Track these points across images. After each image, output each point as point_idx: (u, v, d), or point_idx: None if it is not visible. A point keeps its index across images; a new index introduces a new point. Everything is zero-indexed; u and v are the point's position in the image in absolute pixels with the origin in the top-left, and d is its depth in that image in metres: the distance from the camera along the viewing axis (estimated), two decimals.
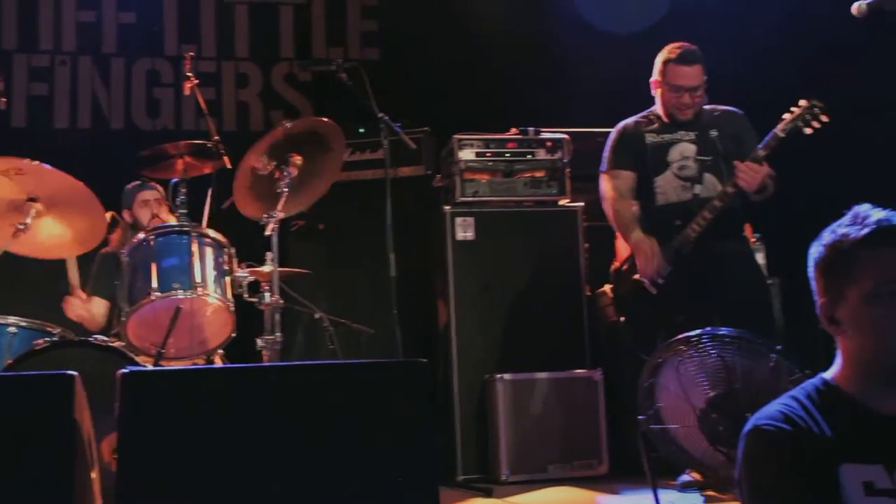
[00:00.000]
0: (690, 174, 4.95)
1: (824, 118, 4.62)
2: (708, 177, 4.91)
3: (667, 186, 4.99)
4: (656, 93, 5.10)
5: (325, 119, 4.99)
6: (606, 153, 5.19)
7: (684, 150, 4.98)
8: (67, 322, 4.85)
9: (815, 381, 2.15)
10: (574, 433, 5.26)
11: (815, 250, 2.14)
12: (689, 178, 4.93)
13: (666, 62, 5.01)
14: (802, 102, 4.67)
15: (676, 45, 5.01)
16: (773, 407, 2.08)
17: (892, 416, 2.04)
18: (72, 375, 2.54)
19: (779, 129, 4.67)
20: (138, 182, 5.52)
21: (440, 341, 5.67)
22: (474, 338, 5.50)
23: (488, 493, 4.86)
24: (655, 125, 5.10)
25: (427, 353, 5.76)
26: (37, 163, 4.45)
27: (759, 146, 4.71)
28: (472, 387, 5.42)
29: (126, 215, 5.57)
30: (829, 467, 1.97)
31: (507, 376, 5.27)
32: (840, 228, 2.09)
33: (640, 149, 5.07)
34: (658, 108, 5.11)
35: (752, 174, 4.63)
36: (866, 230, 2.03)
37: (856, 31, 4.34)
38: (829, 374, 2.13)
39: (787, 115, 4.68)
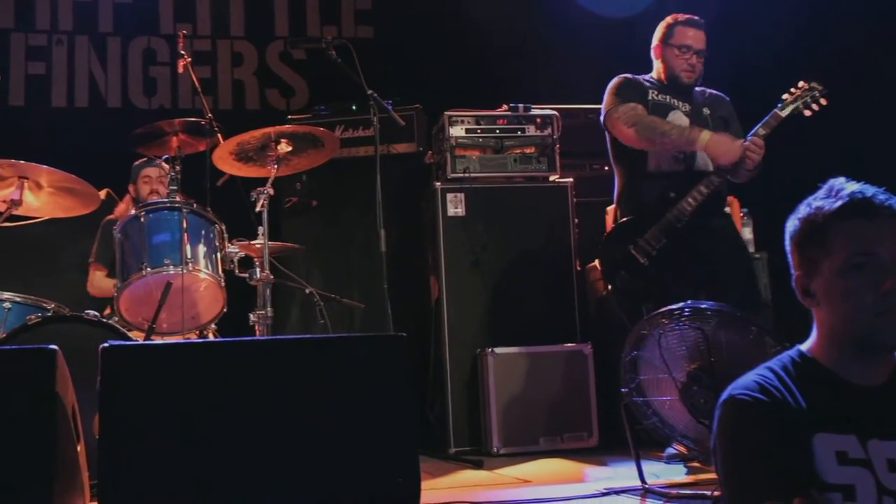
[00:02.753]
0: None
1: (824, 101, 4.58)
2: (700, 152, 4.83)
3: (661, 153, 4.87)
4: (657, 60, 5.03)
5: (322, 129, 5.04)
6: (608, 97, 5.02)
7: (679, 120, 4.89)
8: (64, 298, 4.82)
9: (791, 352, 2.13)
10: (564, 406, 5.27)
11: (791, 224, 2.12)
12: (683, 152, 4.86)
13: (673, 25, 4.95)
14: (802, 84, 4.61)
15: (679, 13, 4.97)
16: (749, 377, 2.06)
17: (865, 387, 2.03)
18: (53, 350, 2.53)
19: (779, 109, 4.61)
20: (145, 159, 5.52)
21: (432, 316, 5.67)
22: (465, 312, 5.50)
23: (479, 466, 4.85)
24: (656, 85, 5.01)
25: (419, 327, 5.76)
26: (23, 163, 4.39)
27: (759, 125, 4.64)
28: (463, 361, 5.43)
29: (131, 189, 5.64)
30: (803, 437, 1.96)
31: (498, 350, 5.27)
32: (815, 202, 2.07)
33: (643, 99, 4.94)
34: (659, 73, 5.03)
35: (758, 152, 4.58)
36: (839, 202, 2.01)
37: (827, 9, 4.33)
38: (804, 346, 2.12)
39: (786, 96, 4.63)
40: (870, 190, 2.02)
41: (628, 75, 5.07)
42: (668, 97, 4.97)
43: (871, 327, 1.98)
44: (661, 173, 4.87)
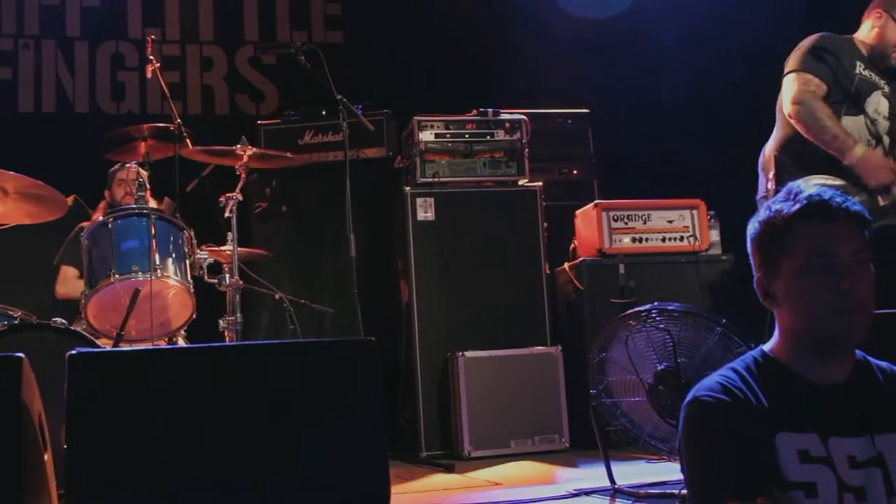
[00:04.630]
0: (879, 131, 4.43)
1: None
2: (889, 141, 4.42)
3: (853, 130, 4.33)
4: (872, 25, 4.47)
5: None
6: (800, 53, 4.41)
7: (880, 103, 4.43)
8: (30, 306, 4.79)
9: (754, 352, 2.16)
10: (535, 409, 5.29)
11: (752, 227, 2.16)
12: (876, 136, 4.42)
13: None
14: None
15: None
16: (713, 378, 2.09)
17: (825, 386, 2.05)
18: (19, 358, 2.52)
19: None
20: (119, 164, 5.50)
21: (402, 320, 5.68)
22: (436, 316, 5.51)
23: (450, 469, 4.87)
24: (866, 57, 4.45)
25: (390, 331, 5.78)
26: None
27: None
28: (434, 364, 5.44)
29: (107, 195, 5.63)
30: (765, 436, 1.98)
31: (468, 353, 5.29)
32: (774, 204, 2.10)
33: (844, 71, 4.38)
34: (868, 38, 4.48)
35: None
36: (797, 205, 2.04)
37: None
38: (767, 347, 2.15)
39: None
40: (827, 192, 2.05)
41: (830, 36, 4.46)
42: (875, 74, 4.43)
43: (830, 327, 2.01)
44: None
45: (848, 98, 4.39)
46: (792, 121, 4.34)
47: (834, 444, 1.99)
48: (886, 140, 4.46)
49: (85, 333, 4.27)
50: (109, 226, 4.58)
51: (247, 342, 4.68)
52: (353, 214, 4.86)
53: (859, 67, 4.43)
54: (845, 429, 2.00)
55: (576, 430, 5.22)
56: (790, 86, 4.38)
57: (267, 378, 2.67)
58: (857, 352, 2.10)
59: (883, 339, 2.17)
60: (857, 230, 2.04)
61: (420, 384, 5.43)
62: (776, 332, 2.13)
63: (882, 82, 4.44)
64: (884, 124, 4.43)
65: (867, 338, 2.05)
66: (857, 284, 1.99)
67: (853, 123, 4.37)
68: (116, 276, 4.46)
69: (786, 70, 4.44)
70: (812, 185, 2.09)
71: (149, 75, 5.62)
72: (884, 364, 2.13)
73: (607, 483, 3.77)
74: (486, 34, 7.30)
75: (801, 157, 4.34)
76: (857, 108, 4.39)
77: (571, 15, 7.16)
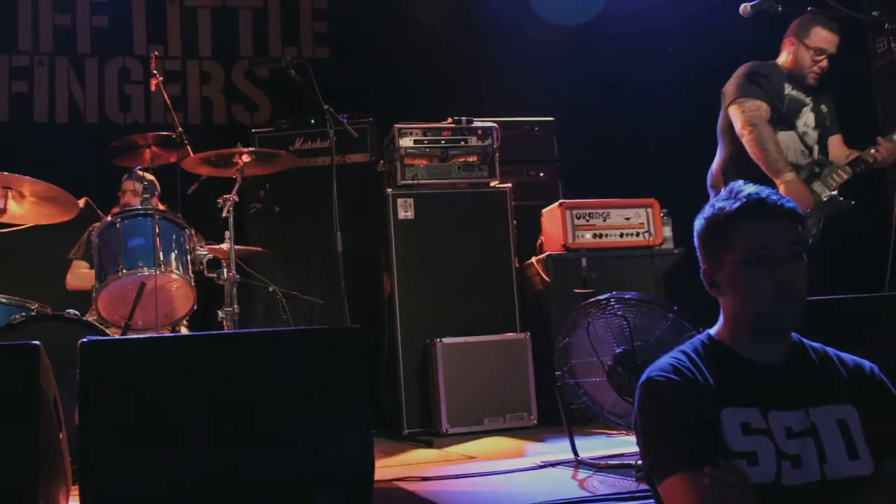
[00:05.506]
0: (810, 143, 4.59)
1: None
2: (818, 148, 4.57)
3: (789, 143, 4.52)
4: (788, 52, 4.64)
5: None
6: (738, 81, 4.57)
7: (808, 117, 4.61)
8: (46, 298, 4.76)
9: (701, 336, 2.18)
10: (506, 389, 5.30)
11: (698, 223, 2.17)
12: (808, 147, 4.58)
13: (810, 23, 4.53)
14: None
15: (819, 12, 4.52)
16: (665, 360, 2.10)
17: (765, 365, 2.07)
18: (36, 345, 2.52)
19: (884, 137, 4.42)
20: (127, 173, 5.50)
21: (386, 310, 5.67)
22: (416, 306, 5.51)
23: (430, 445, 4.88)
24: (790, 77, 4.61)
25: (374, 320, 5.76)
26: (7, 174, 4.35)
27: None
28: (414, 350, 5.44)
29: (120, 199, 5.58)
30: (711, 411, 2.00)
31: (445, 340, 5.29)
32: (718, 203, 2.12)
33: (776, 95, 4.55)
34: (786, 63, 4.64)
35: (890, 150, 4.39)
36: (738, 203, 2.06)
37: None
38: (713, 330, 2.16)
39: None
40: (764, 191, 2.07)
41: (760, 64, 4.63)
42: (801, 93, 4.61)
43: (768, 313, 2.03)
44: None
45: (781, 117, 4.54)
46: (744, 140, 4.45)
47: (773, 417, 2.00)
48: (816, 148, 4.59)
49: (96, 323, 4.27)
50: (117, 225, 4.57)
51: (243, 330, 4.67)
52: (340, 214, 4.87)
53: (787, 88, 4.60)
54: (783, 403, 2.02)
55: (543, 409, 5.24)
56: (738, 112, 4.51)
57: (261, 363, 2.67)
58: (793, 334, 2.12)
59: (814, 323, 2.19)
60: (792, 226, 2.06)
61: (401, 368, 5.43)
62: (721, 318, 2.15)
63: (807, 99, 4.60)
64: (813, 135, 4.61)
65: (801, 321, 2.08)
66: (791, 275, 2.01)
67: (787, 138, 4.53)
68: (124, 271, 4.46)
69: (728, 98, 4.58)
70: (750, 185, 2.11)
71: (153, 88, 5.58)
72: (817, 345, 2.15)
73: (571, 455, 3.77)
74: (462, 50, 7.27)
75: (745, 172, 4.24)
76: (789, 124, 4.56)
77: (538, 30, 7.18)
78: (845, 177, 4.45)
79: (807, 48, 4.56)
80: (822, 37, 4.54)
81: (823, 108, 4.65)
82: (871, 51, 4.97)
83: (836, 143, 4.67)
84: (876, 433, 2.02)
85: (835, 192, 4.45)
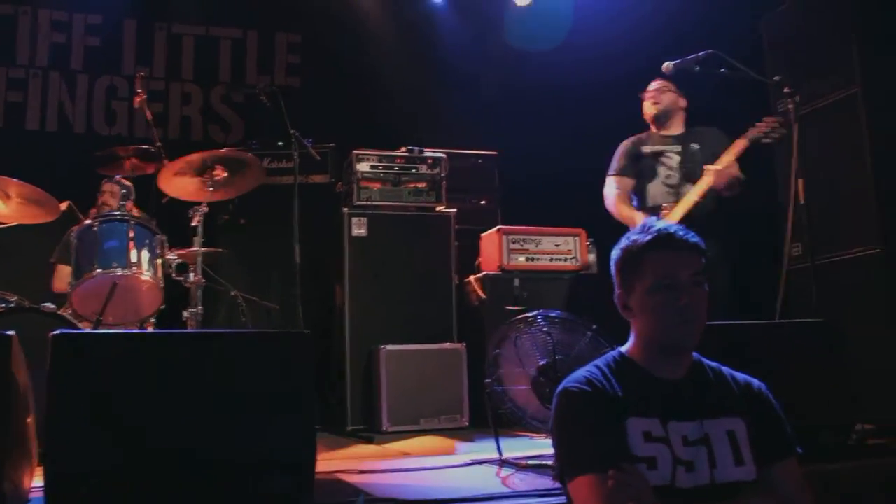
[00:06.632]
0: (674, 183, 4.77)
1: (776, 135, 4.52)
2: (689, 184, 4.70)
3: (656, 191, 4.79)
4: (646, 108, 4.96)
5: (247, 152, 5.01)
6: (615, 159, 4.96)
7: (672, 160, 4.81)
8: (28, 293, 4.65)
9: (613, 353, 2.20)
10: (442, 393, 5.27)
11: (614, 252, 2.20)
12: (673, 186, 4.76)
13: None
14: (769, 119, 4.55)
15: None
16: (580, 372, 2.12)
17: (668, 380, 2.10)
18: (9, 335, 2.46)
19: (745, 137, 4.56)
20: (107, 177, 5.42)
21: (337, 318, 5.62)
22: (364, 315, 5.47)
23: (370, 441, 4.83)
24: (650, 137, 4.93)
25: (326, 327, 5.72)
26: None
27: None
28: (361, 355, 5.39)
29: (98, 202, 5.51)
30: (619, 420, 2.02)
31: (389, 347, 5.26)
32: (632, 235, 2.16)
33: (636, 161, 4.90)
34: (648, 118, 4.95)
35: (722, 174, 4.51)
36: (649, 237, 2.10)
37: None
38: (624, 348, 2.19)
39: (754, 127, 4.56)
40: (673, 227, 2.11)
41: (632, 139, 4.98)
42: (658, 145, 4.88)
43: (672, 334, 2.07)
44: (657, 206, 4.75)
45: (645, 173, 4.82)
46: (613, 215, 4.84)
47: (671, 427, 2.03)
48: (687, 185, 4.70)
49: (69, 317, 4.18)
50: (95, 228, 4.50)
51: (205, 330, 4.60)
52: (299, 228, 4.83)
53: (646, 148, 4.88)
54: (681, 415, 2.05)
55: (474, 412, 5.21)
56: (610, 188, 4.91)
57: (219, 360, 2.63)
58: (694, 354, 2.16)
59: (712, 344, 2.22)
60: (696, 257, 2.10)
61: (348, 371, 5.38)
62: (631, 337, 2.18)
63: (671, 146, 4.83)
64: (676, 176, 4.77)
65: (701, 342, 2.12)
66: (693, 301, 2.05)
67: (655, 187, 4.80)
68: (98, 270, 4.39)
69: (608, 172, 4.93)
70: (661, 221, 2.15)
71: (136, 105, 5.56)
72: (714, 364, 2.19)
73: (497, 455, 3.77)
74: (417, 86, 7.32)
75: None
76: (654, 175, 4.80)
77: (487, 71, 7.26)
78: (695, 199, 4.58)
79: (644, 100, 4.90)
80: (657, 82, 4.85)
81: (693, 146, 4.78)
82: (772, 110, 5.08)
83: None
84: (760, 444, 2.07)
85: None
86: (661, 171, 4.84)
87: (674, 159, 4.83)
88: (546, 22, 7.05)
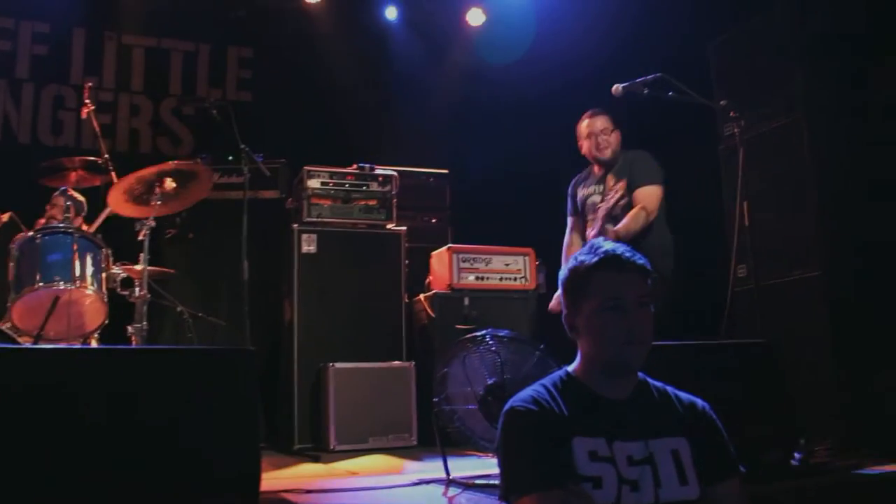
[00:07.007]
0: (607, 215, 4.67)
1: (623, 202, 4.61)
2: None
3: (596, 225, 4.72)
4: (580, 146, 4.96)
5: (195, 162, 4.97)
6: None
7: (595, 199, 4.83)
8: None
9: (560, 372, 2.20)
10: (390, 412, 5.24)
11: (562, 273, 2.21)
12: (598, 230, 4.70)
13: (581, 121, 4.92)
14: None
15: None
16: (527, 392, 2.12)
17: (613, 401, 2.11)
18: None
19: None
20: (58, 190, 5.29)
21: (285, 335, 5.57)
22: (313, 333, 5.43)
23: (317, 460, 4.79)
24: (584, 177, 5.00)
25: (274, 344, 5.67)
26: None
27: None
28: (309, 373, 5.35)
29: (46, 214, 5.41)
30: (565, 439, 2.02)
31: (338, 365, 5.22)
32: (580, 256, 2.16)
33: (575, 200, 4.98)
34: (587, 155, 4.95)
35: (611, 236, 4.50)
36: (596, 258, 2.11)
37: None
38: (570, 368, 2.19)
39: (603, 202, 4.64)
40: (620, 248, 2.12)
41: (574, 179, 5.04)
42: (586, 186, 4.92)
43: (617, 355, 2.08)
44: None
45: (583, 210, 4.89)
46: None
47: (617, 446, 2.03)
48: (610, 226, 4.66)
49: (8, 332, 4.08)
50: (37, 241, 4.41)
51: (148, 346, 4.52)
52: (248, 244, 4.77)
53: (581, 190, 4.95)
54: (626, 434, 2.05)
55: (423, 431, 5.19)
56: (567, 231, 4.99)
57: (163, 376, 2.59)
58: (640, 374, 2.18)
59: (657, 363, 2.24)
60: (642, 279, 2.11)
61: (296, 389, 5.34)
62: (578, 357, 2.18)
63: (594, 186, 4.88)
64: (599, 218, 4.68)
65: (647, 363, 2.13)
66: (638, 322, 2.06)
67: (591, 232, 4.74)
68: (41, 284, 4.30)
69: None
70: (609, 242, 2.17)
71: (84, 116, 5.47)
72: (658, 384, 2.20)
73: (444, 475, 3.76)
74: (370, 104, 7.34)
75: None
76: (593, 210, 4.80)
77: (440, 90, 7.29)
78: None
79: (585, 135, 4.87)
80: (581, 126, 4.88)
81: (611, 180, 4.75)
82: (719, 134, 5.19)
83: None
84: (703, 463, 2.09)
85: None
86: (590, 204, 4.86)
87: (597, 198, 4.82)
88: (500, 42, 7.12)
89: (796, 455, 3.62)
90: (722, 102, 4.68)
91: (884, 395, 4.29)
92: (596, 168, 4.92)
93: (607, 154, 4.82)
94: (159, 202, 4.62)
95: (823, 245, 4.58)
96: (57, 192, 5.30)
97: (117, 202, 4.67)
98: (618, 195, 4.53)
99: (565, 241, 4.99)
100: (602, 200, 4.69)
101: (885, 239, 4.55)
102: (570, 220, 5.02)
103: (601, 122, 4.84)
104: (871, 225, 4.56)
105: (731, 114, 4.49)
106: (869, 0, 4.77)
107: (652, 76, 4.33)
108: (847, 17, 4.78)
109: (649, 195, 4.67)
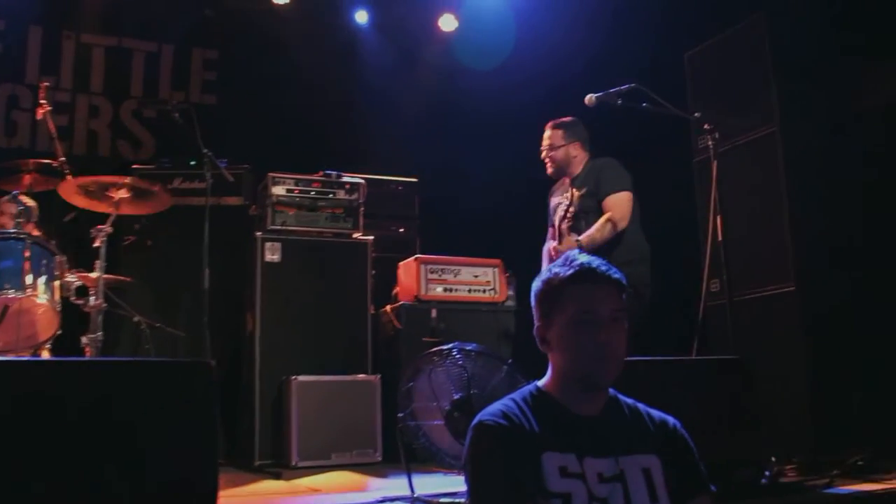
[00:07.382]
0: (578, 227, 4.80)
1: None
2: (584, 223, 4.78)
3: (564, 234, 4.86)
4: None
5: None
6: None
7: (562, 210, 4.88)
8: None
9: (530, 387, 2.19)
10: (355, 427, 5.20)
11: (535, 284, 2.20)
12: (574, 229, 4.79)
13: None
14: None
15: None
16: (496, 406, 2.11)
17: (584, 416, 2.11)
18: None
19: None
20: (9, 195, 5.20)
21: (247, 347, 5.51)
22: (275, 345, 5.38)
23: (278, 476, 4.73)
24: (555, 190, 5.09)
25: (234, 356, 5.61)
26: None
27: None
28: (271, 386, 5.30)
29: None
30: (534, 455, 2.01)
31: (301, 378, 5.18)
32: (554, 268, 2.16)
33: (549, 209, 5.07)
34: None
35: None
36: (571, 270, 2.10)
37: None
38: (541, 382, 2.18)
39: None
40: (595, 262, 2.12)
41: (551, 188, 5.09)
42: (557, 195, 5.00)
43: (589, 370, 2.07)
44: None
45: (558, 224, 4.90)
46: None
47: (587, 463, 2.03)
48: (583, 223, 4.75)
49: None
50: None
51: (102, 358, 4.44)
52: (210, 253, 4.73)
53: (552, 199, 5.02)
54: (597, 451, 2.05)
55: (388, 446, 5.14)
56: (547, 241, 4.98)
57: (117, 389, 2.54)
58: (611, 390, 2.17)
59: (628, 379, 2.24)
60: (616, 293, 2.11)
61: (257, 402, 5.28)
62: (549, 372, 2.17)
63: (561, 196, 4.92)
64: (566, 218, 4.81)
65: (619, 378, 2.13)
66: (612, 337, 2.06)
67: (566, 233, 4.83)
68: None
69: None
70: (584, 255, 2.17)
71: (39, 117, 5.39)
72: (630, 401, 2.20)
73: (408, 492, 3.74)
74: (337, 110, 7.32)
75: None
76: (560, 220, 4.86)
77: (409, 97, 7.29)
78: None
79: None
80: (544, 136, 4.97)
81: (576, 192, 4.81)
82: (693, 146, 5.24)
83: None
84: (674, 481, 2.09)
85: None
86: (558, 215, 4.91)
87: (565, 202, 4.87)
88: (474, 49, 7.14)
89: (766, 473, 3.64)
90: (696, 114, 4.72)
91: (857, 412, 4.33)
92: (566, 177, 4.94)
93: (549, 169, 4.97)
94: (115, 207, 4.57)
95: (797, 260, 4.63)
96: (7, 198, 5.21)
97: (69, 193, 4.60)
98: (569, 203, 4.64)
99: (543, 251, 5.00)
100: (567, 214, 4.77)
101: (861, 255, 4.60)
102: (549, 230, 5.04)
103: (550, 136, 4.96)
104: (845, 239, 4.61)
105: (705, 126, 4.52)
106: (842, 14, 4.84)
107: (626, 87, 4.36)
108: (821, 31, 4.86)
109: (618, 203, 4.72)
